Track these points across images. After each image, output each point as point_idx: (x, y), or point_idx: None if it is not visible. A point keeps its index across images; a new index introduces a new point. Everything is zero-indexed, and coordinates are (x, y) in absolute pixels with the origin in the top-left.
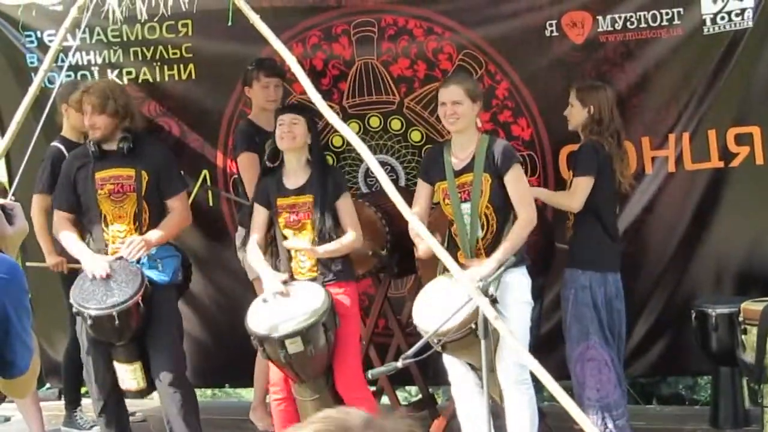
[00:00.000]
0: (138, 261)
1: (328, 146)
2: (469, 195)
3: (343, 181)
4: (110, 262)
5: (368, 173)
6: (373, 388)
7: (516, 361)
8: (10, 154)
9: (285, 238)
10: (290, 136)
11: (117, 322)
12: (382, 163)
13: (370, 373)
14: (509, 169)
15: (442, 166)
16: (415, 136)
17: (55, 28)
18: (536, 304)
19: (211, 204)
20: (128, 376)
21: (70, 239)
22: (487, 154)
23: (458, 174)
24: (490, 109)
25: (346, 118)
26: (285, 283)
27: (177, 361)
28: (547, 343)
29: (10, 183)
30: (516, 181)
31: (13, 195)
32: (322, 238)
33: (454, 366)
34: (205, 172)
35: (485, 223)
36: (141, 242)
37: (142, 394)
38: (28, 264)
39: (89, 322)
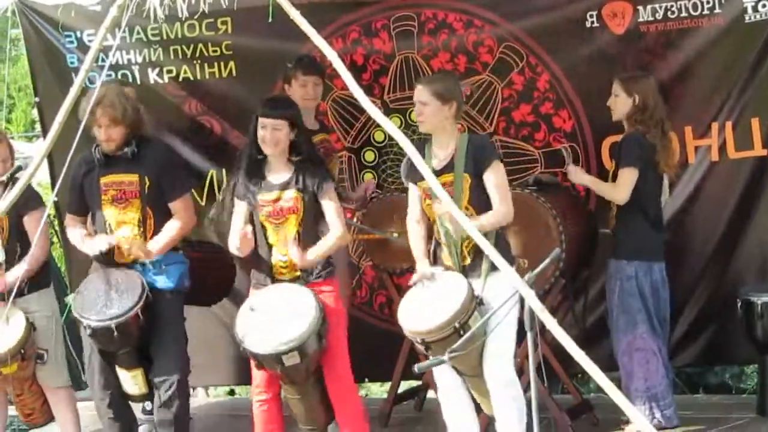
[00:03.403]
0: (143, 267)
1: (371, 141)
2: (450, 196)
3: (327, 175)
4: (113, 270)
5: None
6: (418, 382)
7: (502, 362)
8: (53, 154)
9: (265, 231)
10: (273, 142)
11: (116, 334)
12: None
13: (416, 367)
14: (489, 165)
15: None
16: None
17: (95, 27)
18: (581, 297)
19: None
20: (130, 381)
21: (76, 236)
22: (466, 154)
23: (438, 174)
24: (531, 101)
25: (387, 112)
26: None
27: (179, 369)
28: (593, 335)
29: (53, 184)
30: (494, 177)
31: (56, 196)
32: (306, 234)
33: (442, 371)
34: None
35: None
36: (143, 248)
37: (143, 399)
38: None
39: (89, 332)
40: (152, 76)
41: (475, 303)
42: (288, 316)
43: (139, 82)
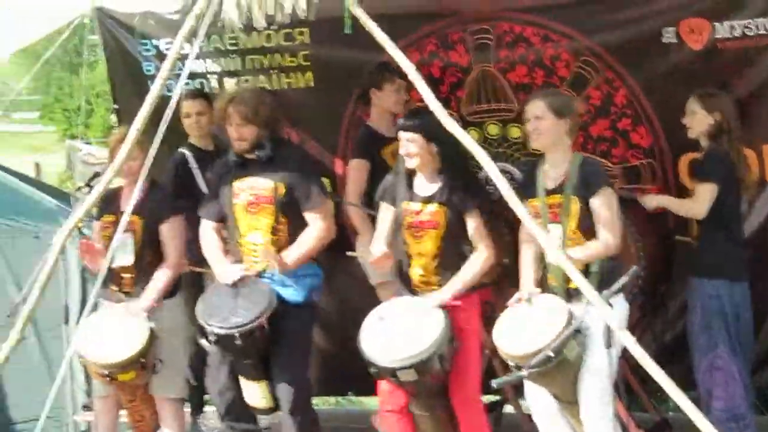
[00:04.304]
0: (271, 276)
1: None
2: (557, 217)
3: (477, 193)
4: (241, 276)
5: (487, 181)
6: (496, 397)
7: (599, 395)
8: None
9: (406, 242)
10: (408, 155)
11: (239, 342)
12: (502, 171)
13: (494, 383)
14: (599, 190)
15: (533, 182)
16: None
17: (172, 36)
18: (659, 315)
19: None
20: (255, 393)
21: (209, 245)
22: (578, 176)
23: (549, 193)
24: (608, 116)
25: (464, 126)
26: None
27: (298, 387)
28: (672, 353)
29: None
30: (603, 205)
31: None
32: (446, 251)
33: (537, 395)
34: (324, 179)
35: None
36: (277, 259)
37: (267, 412)
38: None
39: (212, 338)
40: (229, 85)
41: (572, 331)
42: (412, 331)
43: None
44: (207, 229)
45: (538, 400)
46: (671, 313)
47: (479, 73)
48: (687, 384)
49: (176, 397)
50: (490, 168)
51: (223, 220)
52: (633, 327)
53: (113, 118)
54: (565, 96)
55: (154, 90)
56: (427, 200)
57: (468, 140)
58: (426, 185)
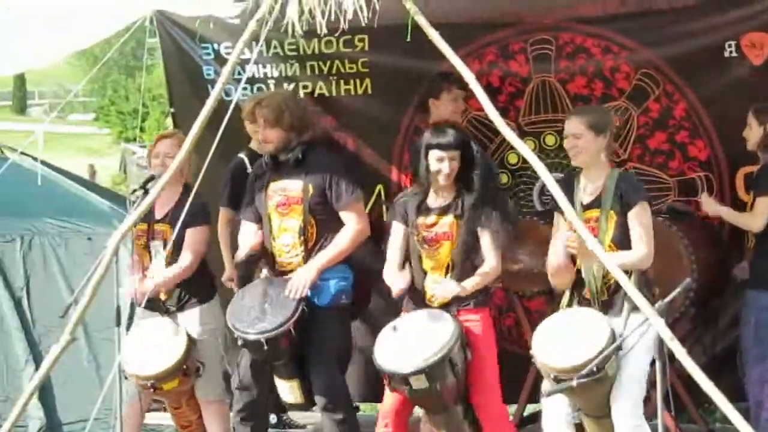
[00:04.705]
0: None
1: (503, 163)
2: (595, 231)
3: (490, 206)
4: (275, 279)
5: (543, 191)
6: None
7: (632, 404)
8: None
9: (420, 256)
10: (450, 173)
11: (265, 347)
12: (558, 182)
13: (545, 392)
14: (635, 205)
15: (570, 198)
16: None
17: (233, 40)
18: (710, 326)
19: (385, 219)
20: (286, 390)
21: (245, 239)
22: (615, 190)
23: (586, 208)
24: (666, 129)
25: (522, 135)
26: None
27: (332, 388)
28: (722, 365)
29: None
30: (639, 218)
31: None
32: (459, 263)
33: (556, 402)
34: (379, 186)
35: None
36: (304, 280)
37: (301, 407)
38: None
39: (240, 342)
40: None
41: (615, 347)
42: (424, 340)
43: None
44: (248, 230)
45: (554, 412)
46: (722, 325)
47: (538, 84)
48: (736, 396)
49: (219, 399)
50: (546, 177)
51: (257, 221)
52: (684, 338)
53: (169, 121)
54: (602, 111)
55: (215, 93)
56: (442, 212)
57: (525, 150)
58: (441, 197)
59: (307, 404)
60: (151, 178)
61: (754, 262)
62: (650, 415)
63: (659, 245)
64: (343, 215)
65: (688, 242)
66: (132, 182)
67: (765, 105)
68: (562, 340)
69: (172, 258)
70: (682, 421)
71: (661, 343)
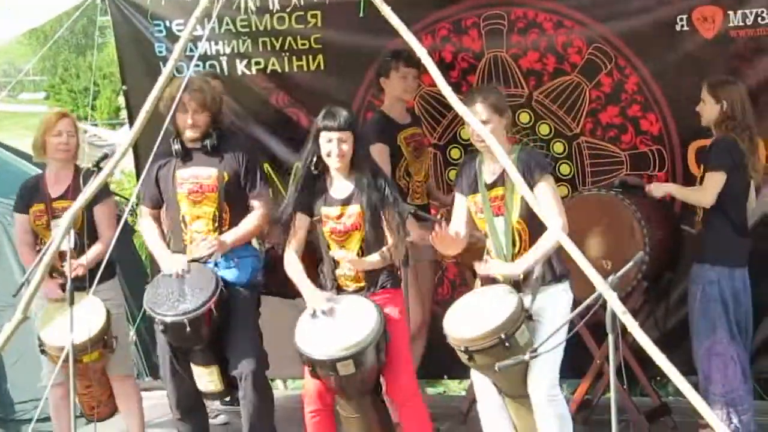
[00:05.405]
0: (215, 263)
1: (457, 138)
2: (501, 210)
3: (389, 187)
4: (186, 263)
5: None
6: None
7: (548, 375)
8: (138, 144)
9: (329, 248)
10: (341, 154)
11: (188, 329)
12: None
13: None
14: (539, 180)
15: (474, 178)
16: (544, 129)
17: (185, 17)
18: (662, 300)
19: None
20: (205, 378)
21: (150, 235)
22: (518, 166)
23: (490, 187)
24: (618, 103)
25: None
26: (329, 299)
27: (256, 363)
28: (674, 338)
29: (138, 173)
30: (544, 192)
31: (142, 186)
32: (369, 250)
33: (487, 389)
34: None
35: (517, 239)
36: (214, 242)
37: (219, 396)
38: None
39: (161, 327)
40: (240, 67)
41: (524, 316)
42: (348, 325)
43: (226, 74)
44: (146, 217)
45: (485, 395)
46: (674, 299)
47: (491, 59)
48: (688, 369)
49: (130, 374)
50: (498, 153)
51: (160, 207)
52: (636, 312)
53: (120, 99)
54: (496, 91)
55: (167, 71)
56: (346, 202)
57: (478, 125)
58: (342, 187)
59: (225, 392)
60: (105, 157)
61: (702, 235)
62: (603, 389)
63: (612, 219)
64: (253, 201)
65: (641, 216)
66: (83, 161)
67: (719, 79)
68: (472, 315)
69: (78, 236)
70: (634, 394)
71: (613, 316)
